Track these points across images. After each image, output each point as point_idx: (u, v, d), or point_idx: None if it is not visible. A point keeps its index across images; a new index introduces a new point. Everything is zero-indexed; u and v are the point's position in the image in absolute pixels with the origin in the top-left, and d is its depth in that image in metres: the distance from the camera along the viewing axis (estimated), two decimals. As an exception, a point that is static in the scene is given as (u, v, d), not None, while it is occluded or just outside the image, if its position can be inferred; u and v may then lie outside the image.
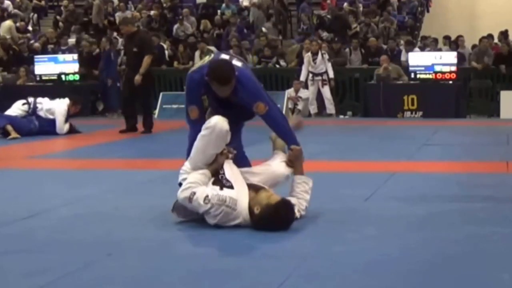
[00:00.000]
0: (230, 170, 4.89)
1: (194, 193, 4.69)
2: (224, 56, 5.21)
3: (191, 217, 4.93)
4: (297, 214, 4.94)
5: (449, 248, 4.37)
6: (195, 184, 4.74)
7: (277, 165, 5.15)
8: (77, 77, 15.50)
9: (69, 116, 11.68)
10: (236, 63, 5.08)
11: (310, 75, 15.01)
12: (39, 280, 3.76)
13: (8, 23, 19.96)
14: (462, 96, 14.52)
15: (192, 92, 5.12)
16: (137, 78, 11.26)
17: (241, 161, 5.14)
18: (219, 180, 4.79)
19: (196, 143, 4.89)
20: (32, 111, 11.54)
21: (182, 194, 4.76)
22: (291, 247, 4.42)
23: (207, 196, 4.66)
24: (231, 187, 4.75)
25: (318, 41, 15.74)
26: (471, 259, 4.15)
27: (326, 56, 14.99)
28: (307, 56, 15.04)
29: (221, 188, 4.73)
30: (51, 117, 11.55)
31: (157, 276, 3.84)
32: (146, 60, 11.34)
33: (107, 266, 4.08)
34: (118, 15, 19.94)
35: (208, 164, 4.86)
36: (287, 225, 4.73)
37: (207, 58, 5.25)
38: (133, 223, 5.12)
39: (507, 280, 3.71)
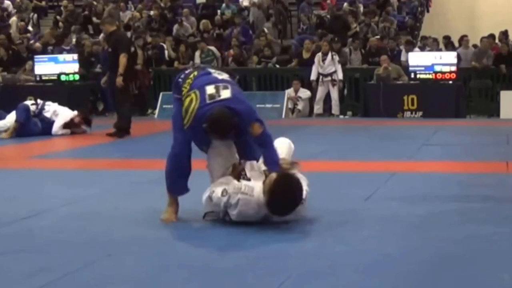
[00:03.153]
0: (250, 167, 5.04)
1: (213, 191, 4.92)
2: (211, 90, 4.97)
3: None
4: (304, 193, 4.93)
5: (449, 248, 4.38)
6: (215, 188, 4.94)
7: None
8: (77, 77, 15.47)
9: (70, 124, 11.63)
10: (225, 93, 4.96)
11: (320, 76, 14.95)
12: (39, 280, 3.77)
13: (13, 19, 20.87)
14: (462, 96, 14.51)
15: (202, 139, 5.09)
16: (118, 80, 10.82)
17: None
18: (241, 178, 4.96)
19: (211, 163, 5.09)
20: (38, 112, 11.52)
21: (204, 195, 4.99)
22: (291, 247, 4.42)
23: (224, 189, 4.86)
24: (249, 180, 4.92)
25: (329, 42, 15.63)
26: (471, 259, 4.15)
27: (337, 58, 14.93)
28: (318, 56, 15.00)
29: (238, 180, 4.90)
30: (55, 119, 11.54)
31: (157, 276, 3.85)
32: (121, 59, 10.84)
33: (107, 266, 4.08)
34: (118, 15, 19.95)
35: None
36: (293, 194, 4.74)
37: (192, 76, 5.13)
38: (133, 223, 5.12)
39: (507, 280, 3.71)
